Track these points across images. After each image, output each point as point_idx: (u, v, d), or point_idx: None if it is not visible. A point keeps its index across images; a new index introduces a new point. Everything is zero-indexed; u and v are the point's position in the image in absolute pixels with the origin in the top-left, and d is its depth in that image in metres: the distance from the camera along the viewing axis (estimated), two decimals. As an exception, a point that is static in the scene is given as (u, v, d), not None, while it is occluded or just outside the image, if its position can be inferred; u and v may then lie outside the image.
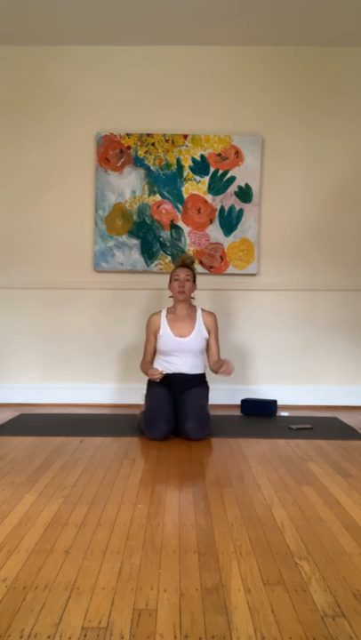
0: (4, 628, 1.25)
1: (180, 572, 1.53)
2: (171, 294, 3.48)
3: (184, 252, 4.20)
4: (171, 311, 3.49)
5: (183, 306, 3.44)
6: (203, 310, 3.49)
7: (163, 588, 1.44)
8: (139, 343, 3.80)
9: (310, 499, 2.14)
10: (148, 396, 3.35)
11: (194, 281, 3.46)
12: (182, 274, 3.40)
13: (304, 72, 4.25)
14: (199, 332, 3.40)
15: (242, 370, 4.26)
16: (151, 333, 3.45)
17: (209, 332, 3.42)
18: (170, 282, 3.45)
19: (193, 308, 3.48)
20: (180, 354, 3.37)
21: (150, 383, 3.39)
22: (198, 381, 3.41)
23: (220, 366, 3.24)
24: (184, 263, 3.49)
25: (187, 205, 4.23)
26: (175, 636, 1.23)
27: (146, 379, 3.44)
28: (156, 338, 3.43)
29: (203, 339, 3.40)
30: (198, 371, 3.41)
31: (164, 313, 3.48)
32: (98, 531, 1.82)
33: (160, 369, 3.30)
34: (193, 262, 3.57)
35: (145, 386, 3.45)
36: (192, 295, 3.48)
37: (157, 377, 3.26)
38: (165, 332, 3.39)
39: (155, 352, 3.47)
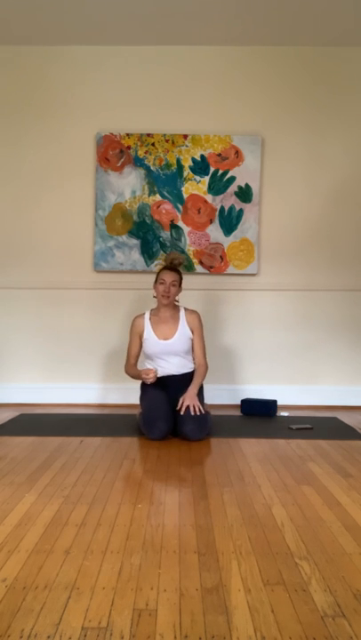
0: (4, 628, 1.25)
1: (180, 572, 1.53)
2: (155, 294, 3.42)
3: (184, 252, 4.20)
4: (154, 313, 3.44)
5: (167, 308, 3.39)
6: (186, 310, 3.44)
7: (163, 588, 1.44)
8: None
9: (310, 499, 2.14)
10: (143, 399, 3.33)
11: (180, 284, 3.39)
12: (169, 279, 3.32)
13: (304, 72, 4.25)
14: (183, 333, 3.36)
15: (242, 370, 4.26)
16: (135, 336, 3.40)
17: (193, 332, 3.38)
18: (155, 282, 3.38)
19: (176, 309, 3.43)
20: (166, 356, 3.34)
21: (144, 385, 3.37)
22: (190, 380, 3.32)
23: (182, 405, 3.14)
24: (172, 264, 3.43)
25: (187, 205, 4.23)
26: (175, 636, 1.23)
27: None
28: (141, 341, 3.40)
29: (187, 339, 3.37)
30: (187, 369, 3.38)
31: (147, 315, 3.44)
32: (98, 531, 1.82)
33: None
34: (181, 264, 3.48)
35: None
36: (176, 298, 3.42)
37: (152, 378, 3.23)
38: (150, 336, 3.36)
39: (139, 355, 3.45)
